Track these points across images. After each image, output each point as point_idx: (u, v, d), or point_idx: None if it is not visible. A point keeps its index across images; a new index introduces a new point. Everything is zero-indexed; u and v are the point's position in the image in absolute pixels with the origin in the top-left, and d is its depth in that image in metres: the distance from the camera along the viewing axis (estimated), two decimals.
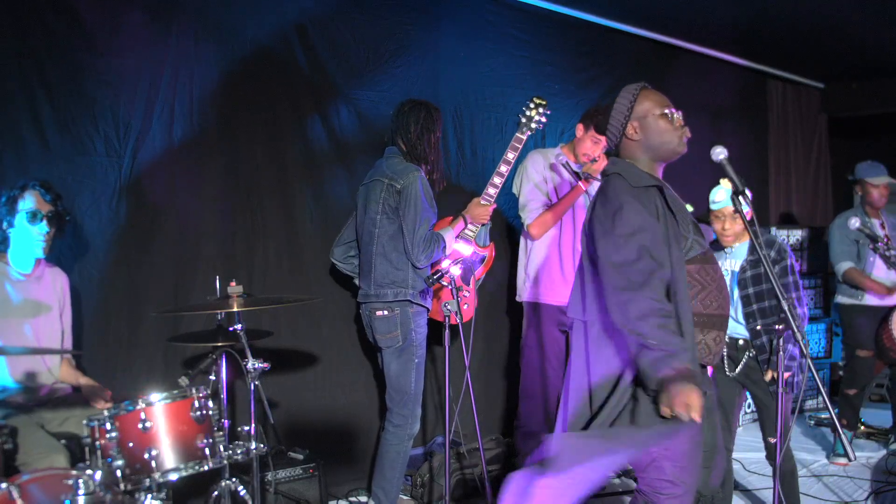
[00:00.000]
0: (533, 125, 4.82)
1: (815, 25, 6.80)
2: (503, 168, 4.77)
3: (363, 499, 4.98)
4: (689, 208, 3.25)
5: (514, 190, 5.13)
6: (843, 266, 6.15)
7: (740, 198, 3.12)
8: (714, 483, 3.31)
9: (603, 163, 4.83)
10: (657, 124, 3.13)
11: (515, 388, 5.23)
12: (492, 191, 4.75)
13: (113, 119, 4.32)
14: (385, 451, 4.49)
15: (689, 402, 2.80)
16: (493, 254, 4.97)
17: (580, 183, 4.91)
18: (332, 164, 5.04)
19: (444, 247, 4.46)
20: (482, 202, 4.75)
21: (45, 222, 3.73)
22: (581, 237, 3.25)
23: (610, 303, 2.98)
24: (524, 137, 4.81)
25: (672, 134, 3.13)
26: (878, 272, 6.05)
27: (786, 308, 2.95)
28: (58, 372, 3.92)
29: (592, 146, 4.96)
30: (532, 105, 4.82)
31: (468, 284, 4.81)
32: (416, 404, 4.47)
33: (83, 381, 3.94)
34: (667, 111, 3.13)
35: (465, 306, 4.76)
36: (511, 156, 4.79)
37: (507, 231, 5.85)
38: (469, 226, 4.75)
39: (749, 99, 8.48)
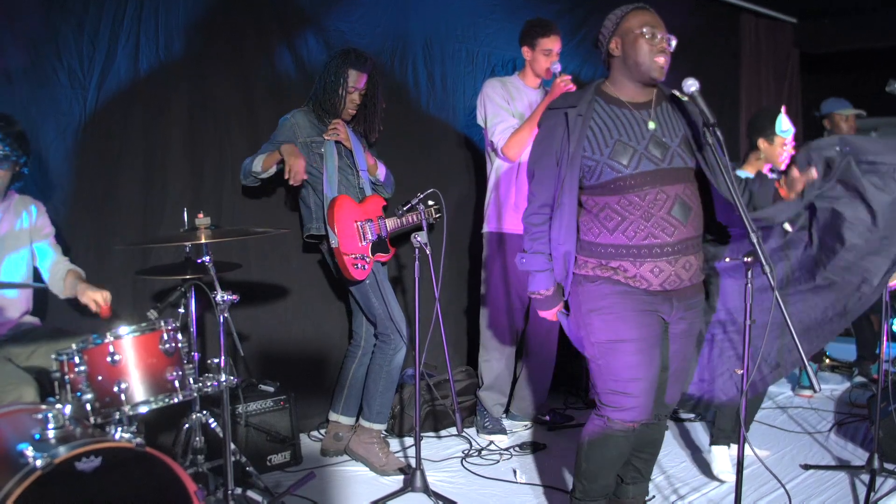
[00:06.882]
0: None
1: None
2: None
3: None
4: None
5: (479, 121, 5.03)
6: None
7: (712, 130, 3.09)
8: (669, 401, 3.35)
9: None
10: (636, 43, 3.14)
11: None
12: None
13: (77, 50, 4.22)
14: (370, 368, 4.61)
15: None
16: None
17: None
18: (300, 96, 4.97)
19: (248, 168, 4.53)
20: None
21: None
22: None
23: None
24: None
25: (647, 56, 3.12)
26: None
27: (755, 240, 2.94)
28: (26, 303, 3.89)
29: (545, 59, 4.91)
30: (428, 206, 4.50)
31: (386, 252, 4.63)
32: (389, 321, 4.48)
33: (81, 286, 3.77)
34: (647, 31, 3.12)
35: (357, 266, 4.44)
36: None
37: (475, 164, 5.83)
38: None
39: (722, 33, 8.40)
